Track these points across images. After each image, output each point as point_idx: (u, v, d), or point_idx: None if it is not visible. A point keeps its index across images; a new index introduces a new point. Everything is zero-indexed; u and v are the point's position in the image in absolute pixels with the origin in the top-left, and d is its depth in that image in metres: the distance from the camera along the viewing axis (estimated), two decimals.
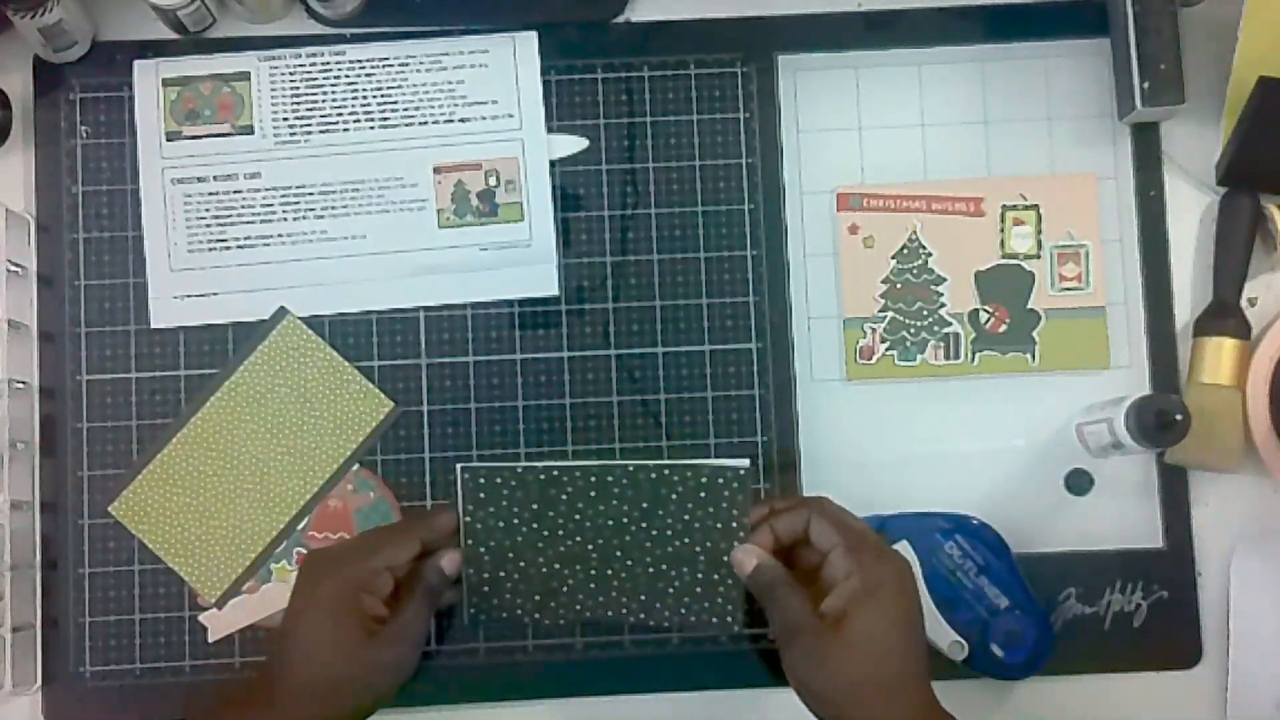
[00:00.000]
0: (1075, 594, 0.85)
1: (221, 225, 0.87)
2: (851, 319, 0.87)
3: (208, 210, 0.88)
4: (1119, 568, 0.85)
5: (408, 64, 0.88)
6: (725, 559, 0.77)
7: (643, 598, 0.79)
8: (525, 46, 0.89)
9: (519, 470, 0.78)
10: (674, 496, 0.77)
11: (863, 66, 0.89)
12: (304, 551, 0.85)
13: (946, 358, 0.87)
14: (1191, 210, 0.89)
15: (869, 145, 0.89)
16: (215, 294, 0.87)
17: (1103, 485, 0.86)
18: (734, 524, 0.77)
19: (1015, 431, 0.87)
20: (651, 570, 0.78)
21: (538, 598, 0.79)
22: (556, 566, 0.79)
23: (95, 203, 0.88)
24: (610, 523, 0.78)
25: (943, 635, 0.81)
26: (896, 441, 0.87)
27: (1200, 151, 0.88)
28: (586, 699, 0.85)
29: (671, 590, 0.78)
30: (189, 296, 0.87)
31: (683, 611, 0.78)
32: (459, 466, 0.78)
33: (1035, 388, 0.87)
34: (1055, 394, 0.87)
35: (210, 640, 0.85)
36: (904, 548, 0.81)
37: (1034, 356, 0.87)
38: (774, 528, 0.76)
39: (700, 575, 0.78)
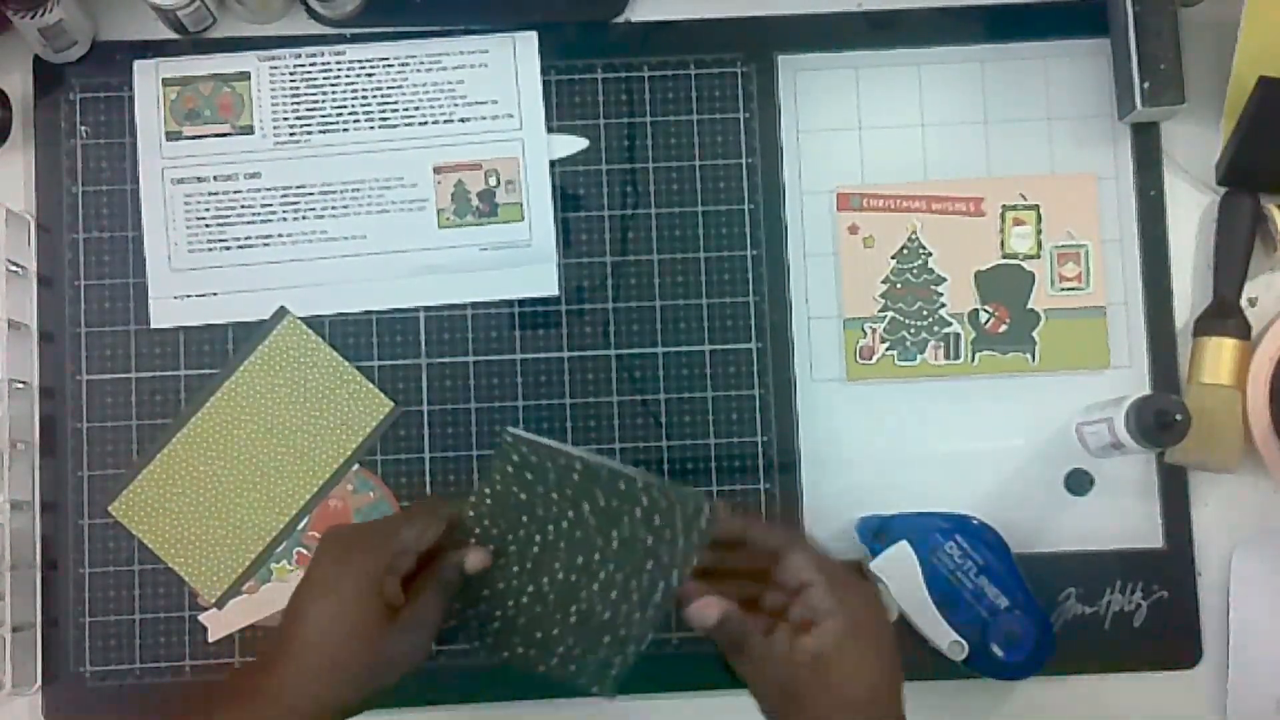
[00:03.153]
0: (1075, 594, 0.85)
1: (221, 225, 0.87)
2: (851, 319, 0.87)
3: (208, 210, 0.88)
4: (1119, 568, 0.85)
5: (408, 64, 0.88)
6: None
7: (647, 564, 0.73)
8: (525, 46, 0.89)
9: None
10: (516, 492, 0.74)
11: (863, 66, 0.89)
12: (305, 552, 0.85)
13: (946, 358, 0.87)
14: (1191, 210, 0.89)
15: (869, 145, 0.89)
16: (215, 294, 0.87)
17: (1103, 485, 0.86)
18: (564, 462, 0.73)
19: (1015, 431, 0.87)
20: (610, 544, 0.74)
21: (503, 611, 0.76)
22: (531, 576, 0.75)
23: (95, 203, 0.88)
24: (535, 548, 0.74)
25: (943, 635, 0.81)
26: (896, 441, 0.87)
27: (1200, 151, 0.88)
28: (586, 699, 0.85)
29: (641, 534, 0.73)
30: (189, 296, 0.87)
31: (668, 537, 0.73)
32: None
33: (1035, 388, 0.87)
34: (1055, 394, 0.87)
35: (210, 640, 0.85)
36: (904, 548, 0.82)
37: (1034, 356, 0.87)
38: (747, 547, 0.71)
39: (636, 509, 0.73)
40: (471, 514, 0.75)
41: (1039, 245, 0.88)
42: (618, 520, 0.74)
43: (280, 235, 0.87)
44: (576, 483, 0.74)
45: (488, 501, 0.75)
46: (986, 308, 0.87)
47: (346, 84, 0.88)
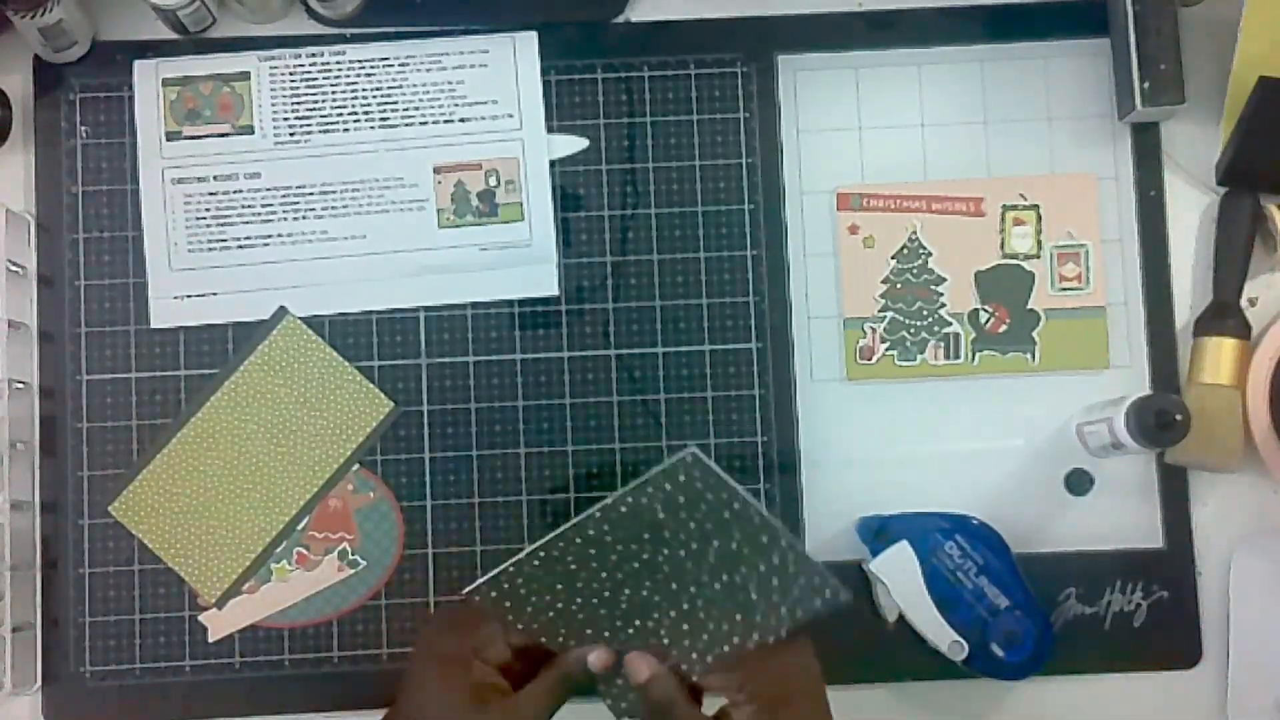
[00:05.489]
0: (1075, 594, 0.85)
1: (221, 225, 0.88)
2: (851, 319, 0.87)
3: (208, 210, 0.88)
4: (1119, 568, 0.85)
5: (408, 64, 0.88)
6: (763, 538, 0.69)
7: (736, 616, 0.70)
8: (525, 46, 0.89)
9: (515, 565, 0.70)
10: (658, 509, 0.70)
11: (863, 66, 0.89)
12: (305, 551, 0.85)
13: (946, 358, 0.87)
14: (1191, 210, 0.89)
15: (869, 145, 0.89)
16: (215, 294, 0.87)
17: (1103, 485, 0.86)
18: (725, 496, 0.69)
19: (1015, 431, 0.87)
20: (715, 584, 0.71)
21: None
22: (625, 623, 0.72)
23: (95, 203, 0.88)
24: (636, 563, 0.71)
25: (943, 635, 0.81)
26: (896, 441, 0.87)
27: (1200, 151, 0.88)
28: (586, 699, 0.85)
29: (750, 588, 0.70)
30: (189, 296, 0.87)
31: (775, 600, 0.70)
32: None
33: (1035, 388, 0.87)
34: (1055, 394, 0.87)
35: (210, 640, 0.85)
36: (904, 548, 0.81)
37: (1034, 356, 0.87)
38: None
39: (761, 563, 0.70)
40: (598, 514, 0.70)
41: (1039, 245, 0.88)
42: (736, 566, 0.70)
43: (280, 235, 0.87)
44: (723, 519, 0.70)
45: (623, 509, 0.70)
46: (986, 308, 0.87)
47: (346, 84, 0.88)
